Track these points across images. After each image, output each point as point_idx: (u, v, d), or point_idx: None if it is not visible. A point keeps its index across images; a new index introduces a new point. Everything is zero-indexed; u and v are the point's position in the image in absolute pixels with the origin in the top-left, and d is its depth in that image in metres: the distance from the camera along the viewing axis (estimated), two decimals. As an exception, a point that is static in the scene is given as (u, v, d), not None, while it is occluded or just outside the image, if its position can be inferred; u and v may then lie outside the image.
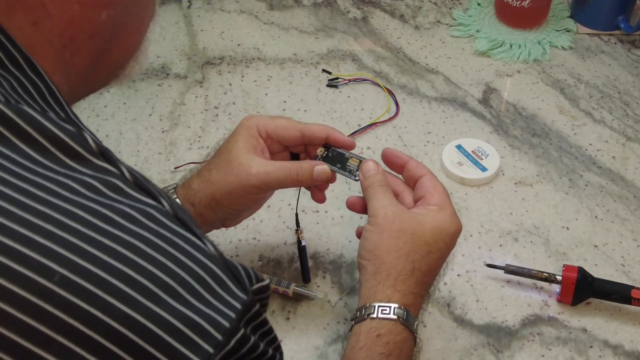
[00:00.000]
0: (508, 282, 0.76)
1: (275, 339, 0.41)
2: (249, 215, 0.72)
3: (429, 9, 1.12)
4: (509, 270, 0.74)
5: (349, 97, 0.97)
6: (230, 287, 0.36)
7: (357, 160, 0.68)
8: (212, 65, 1.01)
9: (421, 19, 1.10)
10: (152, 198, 0.36)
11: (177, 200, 0.67)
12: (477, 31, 1.07)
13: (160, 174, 0.86)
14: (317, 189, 0.71)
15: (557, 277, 0.72)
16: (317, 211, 0.82)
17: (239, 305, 0.36)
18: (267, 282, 0.40)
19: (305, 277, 0.75)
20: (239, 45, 1.05)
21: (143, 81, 0.98)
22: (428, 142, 0.91)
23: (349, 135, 0.90)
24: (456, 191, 0.85)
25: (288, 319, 0.72)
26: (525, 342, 0.70)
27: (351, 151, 0.68)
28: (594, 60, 1.04)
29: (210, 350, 0.34)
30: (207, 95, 0.96)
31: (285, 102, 0.96)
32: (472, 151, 0.87)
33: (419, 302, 0.61)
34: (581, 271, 0.72)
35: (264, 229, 0.80)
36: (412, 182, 0.66)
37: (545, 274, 0.73)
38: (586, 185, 0.86)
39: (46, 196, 0.33)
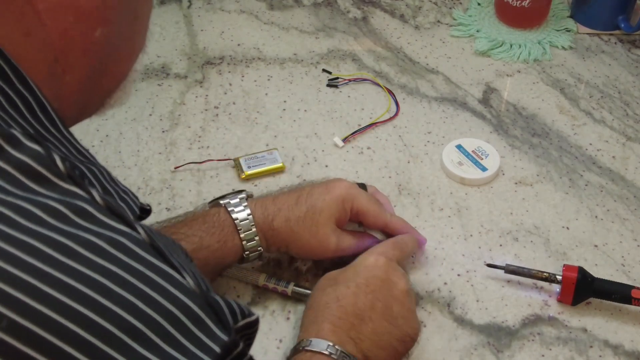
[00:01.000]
0: (508, 282, 0.75)
1: None
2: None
3: (429, 9, 1.12)
4: (509, 270, 0.74)
5: (349, 97, 0.97)
6: (209, 327, 0.33)
7: None
8: (212, 65, 1.01)
9: (421, 19, 1.10)
10: (126, 224, 0.33)
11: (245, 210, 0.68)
12: (477, 31, 1.07)
13: (160, 174, 0.86)
14: None
15: (557, 277, 0.72)
16: (317, 211, 0.82)
17: (217, 349, 0.32)
18: (255, 317, 0.37)
19: None
20: (239, 45, 1.05)
21: (143, 81, 0.98)
22: (428, 142, 0.91)
23: (349, 135, 0.90)
24: (456, 191, 0.85)
25: (288, 318, 0.72)
26: (525, 342, 0.70)
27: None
28: (594, 60, 1.04)
29: None
30: (207, 95, 0.96)
31: (285, 102, 0.96)
32: (472, 151, 0.87)
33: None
34: (581, 271, 0.72)
35: (264, 229, 0.79)
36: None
37: (545, 274, 0.73)
38: (586, 185, 0.86)
39: None
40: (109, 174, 0.41)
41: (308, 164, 0.87)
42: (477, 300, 0.74)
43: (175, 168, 0.86)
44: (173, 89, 0.97)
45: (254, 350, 0.71)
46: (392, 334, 0.63)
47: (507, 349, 0.70)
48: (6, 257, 0.29)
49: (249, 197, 0.70)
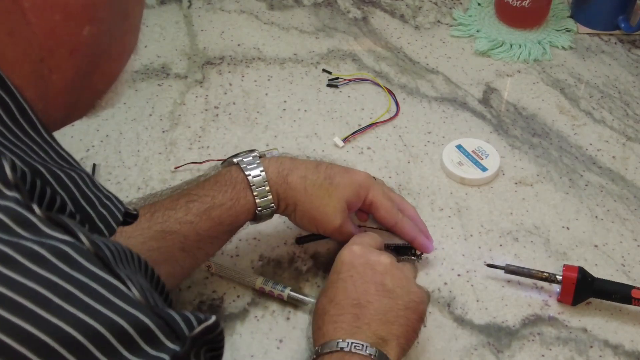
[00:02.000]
0: (508, 282, 0.75)
1: None
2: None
3: (429, 9, 1.12)
4: (509, 270, 0.74)
5: (349, 97, 0.97)
6: (158, 337, 0.31)
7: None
8: (212, 65, 1.01)
9: (421, 19, 1.10)
10: (69, 233, 0.31)
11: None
12: (478, 31, 1.07)
13: (160, 174, 0.86)
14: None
15: (558, 277, 0.72)
16: (317, 211, 0.82)
17: (167, 358, 0.31)
18: (212, 320, 0.34)
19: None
20: (239, 45, 1.05)
21: (143, 81, 0.98)
22: (428, 142, 0.91)
23: (349, 135, 0.90)
24: (456, 191, 0.85)
25: (288, 318, 0.72)
26: (525, 342, 0.70)
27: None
28: (594, 60, 1.04)
29: None
30: (207, 95, 0.96)
31: (285, 102, 0.96)
32: (473, 151, 0.87)
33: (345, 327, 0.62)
34: (581, 271, 0.72)
35: (264, 229, 0.79)
36: None
37: (545, 274, 0.73)
38: (586, 185, 0.86)
39: None
40: (91, 179, 0.40)
41: (308, 164, 0.87)
42: (477, 300, 0.74)
43: (175, 168, 0.86)
44: (173, 89, 0.97)
45: (254, 350, 0.71)
46: (396, 306, 0.63)
47: (507, 349, 0.70)
48: None
49: (262, 156, 0.71)
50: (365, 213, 0.78)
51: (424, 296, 0.66)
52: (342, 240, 0.73)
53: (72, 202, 0.37)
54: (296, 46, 1.04)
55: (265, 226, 0.80)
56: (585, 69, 1.02)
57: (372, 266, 0.65)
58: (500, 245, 0.79)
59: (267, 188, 0.69)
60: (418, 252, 0.76)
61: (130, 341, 0.30)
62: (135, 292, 0.32)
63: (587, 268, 0.73)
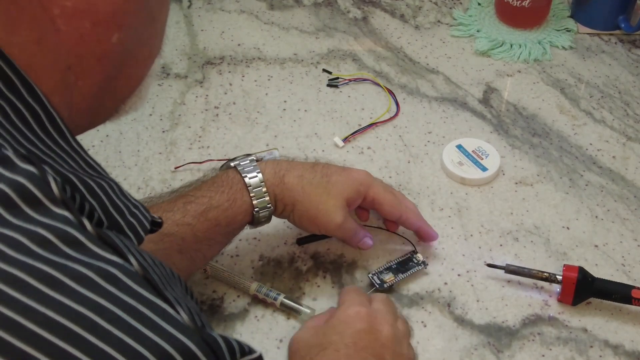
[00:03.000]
0: (508, 282, 0.75)
1: None
2: None
3: (429, 9, 1.12)
4: (510, 270, 0.74)
5: (349, 97, 0.97)
6: None
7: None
8: (213, 65, 1.01)
9: (421, 19, 1.10)
10: (118, 254, 0.31)
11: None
12: (478, 31, 1.07)
13: (160, 174, 0.86)
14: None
15: (558, 277, 0.72)
16: (318, 211, 0.82)
17: None
18: (257, 354, 0.34)
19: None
20: (239, 45, 1.05)
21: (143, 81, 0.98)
22: (428, 142, 0.91)
23: (349, 135, 0.90)
24: (456, 191, 0.85)
25: (288, 318, 0.72)
26: (525, 342, 0.70)
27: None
28: (594, 60, 1.04)
29: None
30: (207, 95, 0.96)
31: (285, 102, 0.96)
32: (473, 151, 0.87)
33: None
34: (581, 271, 0.72)
35: (264, 229, 0.79)
36: None
37: (545, 274, 0.73)
38: (586, 185, 0.86)
39: None
40: (119, 187, 0.39)
41: (308, 164, 0.87)
42: (477, 300, 0.74)
43: (176, 168, 0.86)
44: (173, 89, 0.97)
45: (254, 350, 0.70)
46: None
47: (507, 349, 0.70)
48: None
49: (259, 160, 0.72)
50: (366, 211, 0.78)
51: None
52: (344, 239, 0.74)
53: (103, 210, 0.36)
54: (296, 46, 1.04)
55: (265, 226, 0.80)
56: (586, 69, 1.02)
57: (377, 336, 0.62)
58: (500, 245, 0.79)
59: (264, 189, 0.69)
60: (421, 259, 0.76)
61: None
62: (183, 316, 0.31)
63: (587, 268, 0.73)
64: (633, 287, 0.71)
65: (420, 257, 0.76)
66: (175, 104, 0.95)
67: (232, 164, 0.71)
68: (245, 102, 0.96)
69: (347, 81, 0.99)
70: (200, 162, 0.87)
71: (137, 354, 0.29)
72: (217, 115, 0.94)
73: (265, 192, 0.69)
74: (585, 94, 0.98)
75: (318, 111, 0.94)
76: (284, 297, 0.72)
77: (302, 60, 1.02)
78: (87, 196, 0.35)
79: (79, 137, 0.40)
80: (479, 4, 1.12)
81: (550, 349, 0.70)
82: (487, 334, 0.71)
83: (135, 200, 0.40)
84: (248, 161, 0.70)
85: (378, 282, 0.74)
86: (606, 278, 0.74)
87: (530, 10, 1.05)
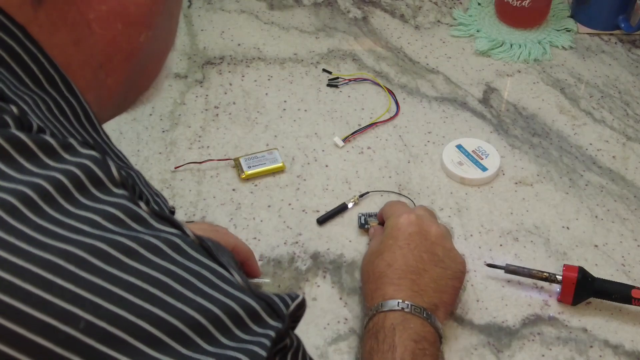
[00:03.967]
0: (508, 281, 0.75)
1: None
2: None
3: (429, 9, 1.12)
4: (509, 270, 0.74)
5: (349, 96, 0.97)
6: (264, 318, 0.34)
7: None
8: (213, 65, 1.01)
9: (421, 19, 1.10)
10: (175, 227, 0.34)
11: None
12: (478, 31, 1.07)
13: (160, 174, 0.86)
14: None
15: (558, 277, 0.72)
16: (318, 211, 0.82)
17: (273, 334, 0.34)
18: (301, 297, 0.38)
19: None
20: (239, 45, 1.05)
21: (143, 81, 0.98)
22: (428, 141, 0.91)
23: (349, 135, 0.90)
24: (456, 191, 0.85)
25: (288, 318, 0.72)
26: (525, 341, 0.70)
27: None
28: (594, 60, 1.04)
29: None
30: (207, 95, 0.96)
31: (285, 101, 0.96)
32: (473, 151, 0.87)
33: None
34: (581, 271, 0.72)
35: (264, 229, 0.80)
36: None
37: (545, 274, 0.73)
38: (586, 185, 0.86)
39: (67, 233, 0.30)
40: (143, 177, 0.42)
41: (308, 163, 0.87)
42: (477, 300, 0.74)
43: (176, 168, 0.86)
44: (173, 89, 0.97)
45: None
46: (446, 275, 0.68)
47: (507, 349, 0.70)
48: (79, 263, 0.30)
49: None
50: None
51: (465, 263, 0.71)
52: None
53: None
54: (296, 46, 1.04)
55: (265, 226, 0.80)
56: (585, 68, 1.02)
57: (427, 236, 0.70)
58: (500, 245, 0.79)
59: None
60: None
61: (241, 322, 0.33)
62: (237, 278, 0.34)
63: (587, 268, 0.73)
64: (633, 287, 0.71)
65: None
66: (175, 104, 0.95)
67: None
68: (245, 102, 0.96)
69: (347, 81, 0.99)
70: (200, 162, 0.87)
71: (208, 310, 0.32)
72: (217, 115, 0.94)
73: None
74: (585, 94, 0.98)
75: (318, 111, 0.94)
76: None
77: (302, 60, 1.02)
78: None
79: None
80: (479, 4, 1.12)
81: (550, 349, 0.70)
82: (487, 334, 0.71)
83: (156, 189, 0.43)
84: None
85: (362, 222, 0.79)
86: (606, 278, 0.74)
87: (530, 10, 1.05)
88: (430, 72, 1.01)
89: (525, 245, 0.79)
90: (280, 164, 0.86)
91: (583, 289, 0.72)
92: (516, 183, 0.86)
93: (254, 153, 0.87)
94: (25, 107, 0.35)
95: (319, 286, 0.75)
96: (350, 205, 0.82)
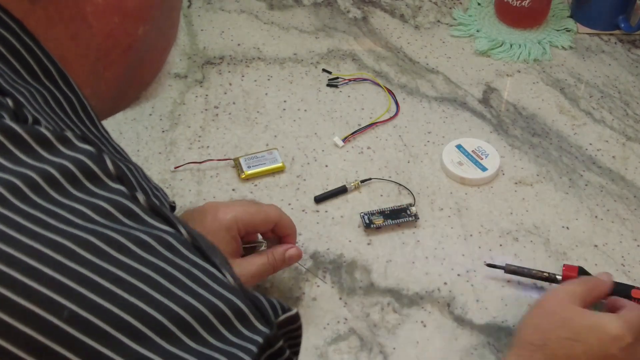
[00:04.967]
0: (508, 281, 0.75)
1: None
2: None
3: (429, 9, 1.12)
4: (509, 270, 0.74)
5: (349, 96, 0.97)
6: (251, 321, 0.34)
7: None
8: (212, 65, 1.01)
9: (421, 19, 1.10)
10: (169, 225, 0.34)
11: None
12: (477, 31, 1.07)
13: (160, 174, 0.86)
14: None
15: (558, 276, 0.72)
16: (317, 211, 0.82)
17: (260, 340, 0.33)
18: (294, 311, 0.37)
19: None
20: (239, 45, 1.04)
21: (143, 81, 0.98)
22: (428, 141, 0.91)
23: (349, 135, 0.90)
24: (456, 191, 0.85)
25: (288, 318, 0.72)
26: (525, 342, 0.70)
27: None
28: (594, 60, 1.04)
29: None
30: (207, 95, 0.96)
31: (285, 101, 0.96)
32: (472, 151, 0.87)
33: None
34: (581, 271, 0.72)
35: (264, 229, 0.79)
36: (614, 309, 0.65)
37: (545, 274, 0.73)
38: (586, 185, 0.86)
39: (56, 223, 0.30)
40: (142, 171, 0.42)
41: (308, 163, 0.87)
42: (477, 300, 0.74)
43: (175, 168, 0.86)
44: (173, 89, 0.97)
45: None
46: None
47: (507, 348, 0.70)
48: (67, 253, 0.30)
49: None
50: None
51: None
52: (271, 271, 0.69)
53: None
54: (296, 46, 1.04)
55: (265, 226, 0.80)
56: (585, 68, 1.02)
57: (609, 345, 0.60)
58: (500, 245, 0.79)
59: None
60: (414, 212, 0.80)
61: (228, 322, 0.33)
62: (229, 278, 0.34)
63: (587, 268, 0.73)
64: (633, 287, 0.71)
65: (414, 209, 0.80)
66: (175, 104, 0.95)
67: None
68: (245, 102, 0.96)
69: (347, 81, 0.99)
70: (200, 162, 0.87)
71: (195, 309, 0.32)
72: (216, 115, 0.94)
73: None
74: (585, 94, 0.98)
75: (318, 111, 0.94)
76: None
77: (302, 60, 1.02)
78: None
79: None
80: (479, 4, 1.12)
81: (550, 349, 0.70)
82: (487, 333, 0.71)
83: (155, 183, 0.43)
84: None
85: (367, 221, 0.78)
86: (606, 278, 0.74)
87: (530, 10, 1.05)
88: (430, 72, 1.01)
89: (525, 245, 0.79)
90: (280, 164, 0.86)
91: (583, 289, 0.72)
92: (516, 183, 0.86)
93: (253, 153, 0.87)
94: (22, 99, 0.35)
95: (318, 286, 0.75)
96: (350, 187, 0.83)
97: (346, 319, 0.72)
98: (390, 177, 0.86)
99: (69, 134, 0.34)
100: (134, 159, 0.91)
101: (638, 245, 0.79)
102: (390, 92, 0.97)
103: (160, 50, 0.48)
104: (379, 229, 0.79)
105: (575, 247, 0.79)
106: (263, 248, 0.71)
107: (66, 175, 0.32)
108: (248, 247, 0.70)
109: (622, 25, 1.06)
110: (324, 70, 1.00)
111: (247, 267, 0.67)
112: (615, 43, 1.07)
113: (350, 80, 0.99)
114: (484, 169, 0.85)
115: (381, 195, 0.84)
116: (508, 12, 1.07)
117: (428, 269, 0.76)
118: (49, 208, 0.31)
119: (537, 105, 0.96)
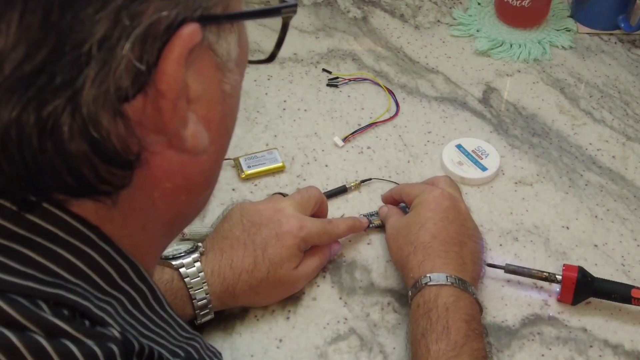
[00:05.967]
0: (508, 281, 0.75)
1: None
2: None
3: (429, 9, 1.12)
4: (509, 269, 0.74)
5: (349, 96, 0.97)
6: None
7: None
8: (212, 65, 1.01)
9: (421, 19, 1.10)
10: None
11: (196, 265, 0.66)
12: (477, 31, 1.07)
13: (160, 174, 0.86)
14: None
15: (557, 276, 0.72)
16: (317, 211, 0.82)
17: None
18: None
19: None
20: (239, 44, 1.04)
21: (143, 81, 0.98)
22: (428, 141, 0.91)
23: (349, 135, 0.90)
24: (456, 191, 0.85)
25: (288, 318, 0.72)
26: (525, 341, 0.70)
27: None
28: (594, 59, 1.04)
29: None
30: (207, 95, 0.96)
31: (285, 101, 0.96)
32: (472, 151, 0.87)
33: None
34: (581, 271, 0.72)
35: (264, 229, 0.79)
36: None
37: (545, 274, 0.73)
38: (586, 184, 0.86)
39: None
40: (203, 342, 0.45)
41: (308, 163, 0.87)
42: (477, 300, 0.74)
43: (175, 168, 0.86)
44: (173, 89, 0.97)
45: (254, 350, 0.71)
46: (478, 248, 0.71)
47: (507, 348, 0.70)
48: None
49: (202, 254, 0.67)
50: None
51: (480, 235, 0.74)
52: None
53: None
54: (296, 46, 1.04)
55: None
56: (585, 68, 1.02)
57: (459, 209, 0.72)
58: (500, 245, 0.79)
59: (210, 302, 0.66)
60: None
61: None
62: None
63: (587, 268, 0.73)
64: (633, 286, 0.71)
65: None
66: (175, 104, 0.95)
67: (174, 264, 0.65)
68: (245, 101, 0.96)
69: (346, 81, 0.99)
70: (200, 162, 0.86)
71: None
72: (216, 114, 0.93)
73: (209, 304, 0.66)
74: (585, 94, 0.98)
75: (318, 111, 0.94)
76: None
77: (302, 60, 1.02)
78: None
79: None
80: (479, 4, 1.12)
81: (550, 349, 0.70)
82: (487, 333, 0.71)
83: (215, 348, 0.47)
84: (195, 268, 0.65)
85: (368, 221, 0.79)
86: (606, 278, 0.74)
87: (530, 10, 1.05)
88: (430, 71, 1.01)
89: (525, 245, 0.79)
90: (280, 164, 0.86)
91: (583, 288, 0.72)
92: (516, 183, 0.86)
93: (253, 153, 0.87)
94: (109, 319, 0.35)
95: (318, 286, 0.75)
96: (350, 187, 0.84)
97: (346, 319, 0.72)
98: (390, 177, 0.86)
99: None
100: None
101: (638, 245, 0.79)
102: (390, 92, 0.97)
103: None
104: (378, 228, 0.79)
105: (575, 247, 0.79)
106: None
107: None
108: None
109: (622, 25, 1.06)
110: (324, 70, 1.00)
111: (305, 270, 0.71)
112: (615, 43, 1.07)
113: (350, 80, 0.99)
114: (484, 168, 0.85)
115: (381, 195, 0.84)
116: (508, 12, 1.07)
117: (428, 268, 0.76)
118: None
119: (537, 105, 0.96)
